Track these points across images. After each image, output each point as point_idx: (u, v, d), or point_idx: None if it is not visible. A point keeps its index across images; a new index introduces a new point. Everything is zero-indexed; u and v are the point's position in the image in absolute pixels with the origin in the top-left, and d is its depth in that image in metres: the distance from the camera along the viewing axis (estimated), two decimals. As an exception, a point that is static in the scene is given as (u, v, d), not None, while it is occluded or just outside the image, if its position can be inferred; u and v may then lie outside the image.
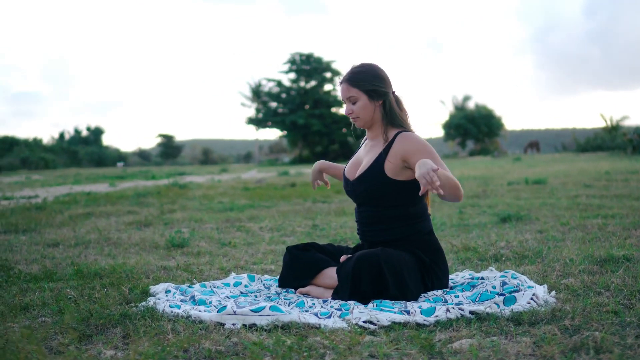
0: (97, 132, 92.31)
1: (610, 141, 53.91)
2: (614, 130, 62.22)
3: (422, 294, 3.98)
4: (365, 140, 4.41)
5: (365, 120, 4.16)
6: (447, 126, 69.27)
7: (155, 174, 30.97)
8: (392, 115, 4.14)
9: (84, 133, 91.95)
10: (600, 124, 65.71)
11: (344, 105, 4.23)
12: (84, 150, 78.32)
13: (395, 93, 4.21)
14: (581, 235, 6.30)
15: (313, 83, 65.73)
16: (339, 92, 4.28)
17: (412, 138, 4.04)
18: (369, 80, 4.09)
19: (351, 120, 4.22)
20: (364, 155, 4.27)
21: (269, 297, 4.15)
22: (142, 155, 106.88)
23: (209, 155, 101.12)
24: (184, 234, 7.22)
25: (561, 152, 62.59)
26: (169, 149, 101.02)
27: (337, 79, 4.38)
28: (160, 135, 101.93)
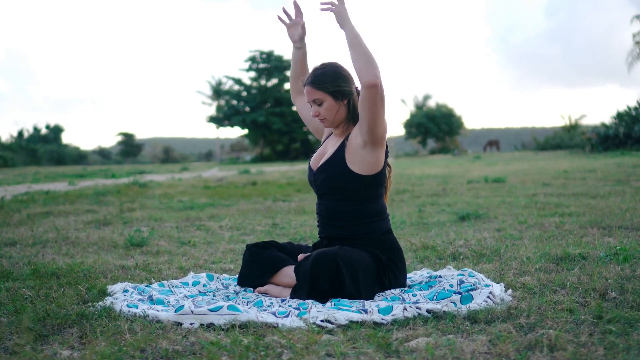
0: (56, 130, 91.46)
1: (569, 140, 54.49)
2: (572, 129, 62.86)
3: (380, 293, 4.01)
4: (331, 134, 4.43)
5: (332, 121, 4.17)
6: (408, 125, 69.65)
7: (115, 172, 30.75)
8: (354, 113, 4.16)
9: (44, 131, 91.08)
10: (559, 122, 66.38)
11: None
12: (43, 148, 77.46)
13: (359, 89, 4.23)
14: (538, 233, 6.36)
15: (274, 81, 65.76)
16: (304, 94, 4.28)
17: None
18: (332, 81, 4.10)
19: (320, 121, 4.23)
20: (329, 147, 4.30)
21: (227, 296, 4.15)
22: (102, 154, 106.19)
23: (169, 153, 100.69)
24: (143, 233, 7.18)
25: (521, 150, 63.07)
26: (130, 147, 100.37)
27: (300, 82, 4.39)
28: (121, 134, 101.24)
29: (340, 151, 4.13)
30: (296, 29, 4.54)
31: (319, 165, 4.25)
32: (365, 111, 3.90)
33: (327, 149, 4.33)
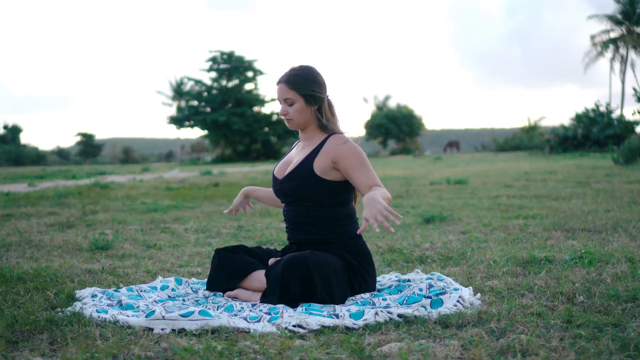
0: (14, 131, 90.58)
1: (529, 141, 55.03)
2: (532, 130, 63.46)
3: (350, 297, 4.01)
4: (297, 143, 4.44)
5: (299, 123, 4.17)
6: (369, 126, 69.88)
7: (75, 173, 30.47)
8: (324, 120, 4.16)
9: (1, 131, 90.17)
10: (519, 123, 66.95)
11: (275, 104, 4.27)
12: (1, 149, 76.79)
13: (329, 97, 4.23)
14: (503, 236, 6.41)
15: (235, 82, 65.65)
16: (275, 92, 4.26)
17: (344, 141, 4.09)
18: (308, 85, 4.11)
19: (284, 120, 4.23)
20: (295, 155, 4.30)
21: (197, 300, 4.13)
22: (61, 154, 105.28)
23: (129, 154, 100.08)
24: (107, 236, 7.14)
25: (481, 151, 63.53)
26: (89, 147, 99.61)
27: (259, 78, 4.42)
28: (80, 134, 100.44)
29: (309, 159, 4.13)
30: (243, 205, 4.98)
31: (286, 173, 4.24)
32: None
33: (292, 158, 4.33)
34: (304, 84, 4.11)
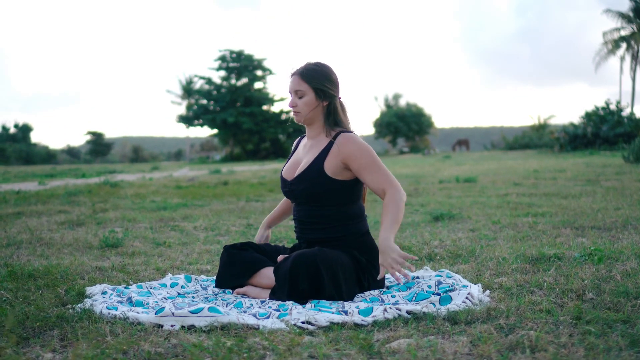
0: (25, 130, 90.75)
1: (538, 139, 54.92)
2: (541, 128, 63.36)
3: (359, 294, 4.02)
4: (300, 140, 4.44)
5: (305, 117, 4.17)
6: (378, 124, 69.85)
7: (85, 172, 30.54)
8: (334, 118, 4.16)
9: (12, 130, 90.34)
10: (528, 122, 66.92)
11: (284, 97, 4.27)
12: (11, 147, 76.93)
13: (341, 99, 4.23)
14: (512, 233, 6.41)
15: (244, 80, 65.67)
16: (287, 85, 4.26)
17: (353, 140, 4.06)
18: (321, 80, 4.11)
19: (292, 113, 4.23)
20: (303, 155, 4.29)
21: (207, 297, 4.15)
22: (71, 153, 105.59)
23: (139, 152, 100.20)
24: (117, 234, 7.16)
25: (490, 150, 63.41)
26: (99, 146, 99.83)
27: (269, 77, 4.41)
28: (90, 133, 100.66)
29: (319, 160, 4.12)
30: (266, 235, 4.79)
31: (296, 175, 4.23)
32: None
33: (300, 158, 4.32)
34: (317, 77, 4.11)
